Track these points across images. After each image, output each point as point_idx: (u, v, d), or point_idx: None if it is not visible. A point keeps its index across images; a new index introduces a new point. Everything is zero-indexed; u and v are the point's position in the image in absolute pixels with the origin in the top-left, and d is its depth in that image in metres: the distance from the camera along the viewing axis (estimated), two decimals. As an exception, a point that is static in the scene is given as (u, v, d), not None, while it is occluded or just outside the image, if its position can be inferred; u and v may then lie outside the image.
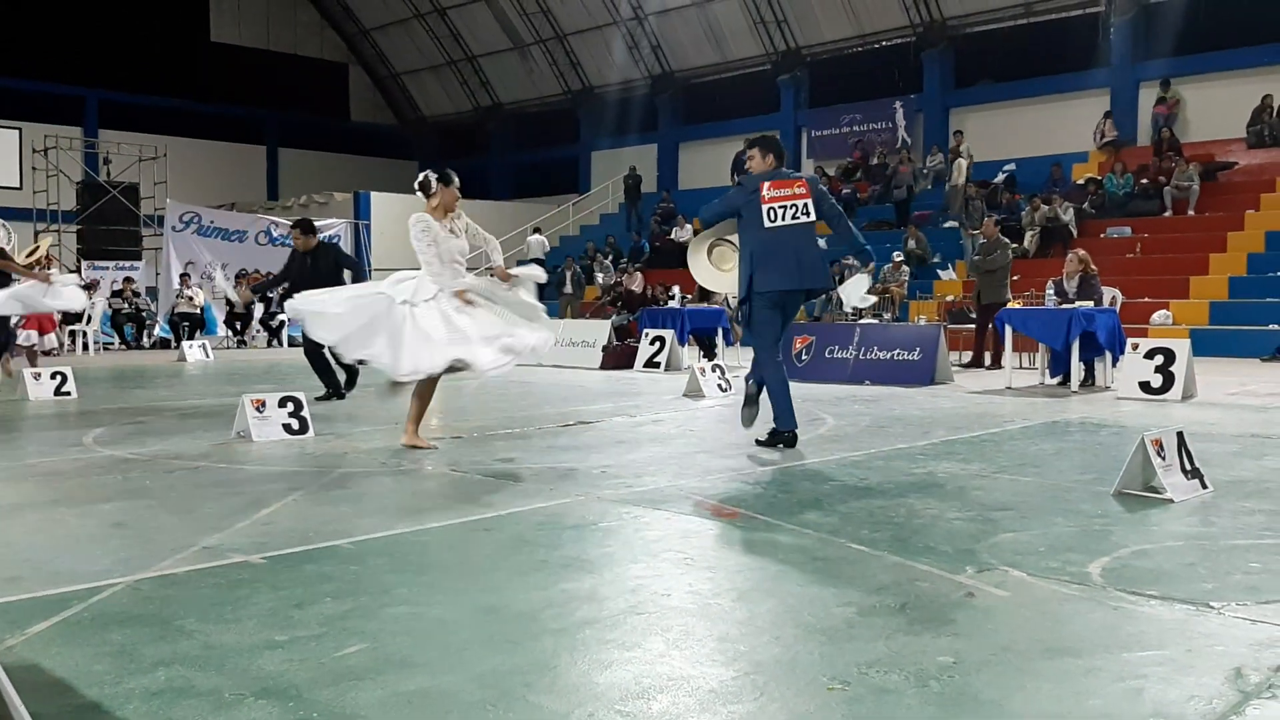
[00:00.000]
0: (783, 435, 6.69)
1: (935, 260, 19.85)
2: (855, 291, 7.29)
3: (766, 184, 6.54)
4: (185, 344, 17.62)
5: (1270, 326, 14.71)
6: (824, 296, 19.13)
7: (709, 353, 14.39)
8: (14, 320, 12.51)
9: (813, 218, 6.58)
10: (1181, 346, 9.58)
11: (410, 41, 34.18)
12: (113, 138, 27.63)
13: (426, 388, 6.67)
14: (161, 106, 31.48)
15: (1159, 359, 9.52)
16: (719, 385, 10.22)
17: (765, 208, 6.48)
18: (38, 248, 11.64)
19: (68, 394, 10.16)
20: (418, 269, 6.55)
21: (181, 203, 24.69)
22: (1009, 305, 11.72)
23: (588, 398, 10.22)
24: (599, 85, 31.05)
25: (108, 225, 24.08)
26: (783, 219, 6.49)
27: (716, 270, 7.17)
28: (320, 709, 2.51)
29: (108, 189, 24.40)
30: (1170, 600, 3.35)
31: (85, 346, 18.99)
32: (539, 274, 7.10)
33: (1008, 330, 10.89)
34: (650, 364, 13.74)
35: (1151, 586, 3.50)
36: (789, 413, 6.69)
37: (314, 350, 9.42)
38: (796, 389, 10.91)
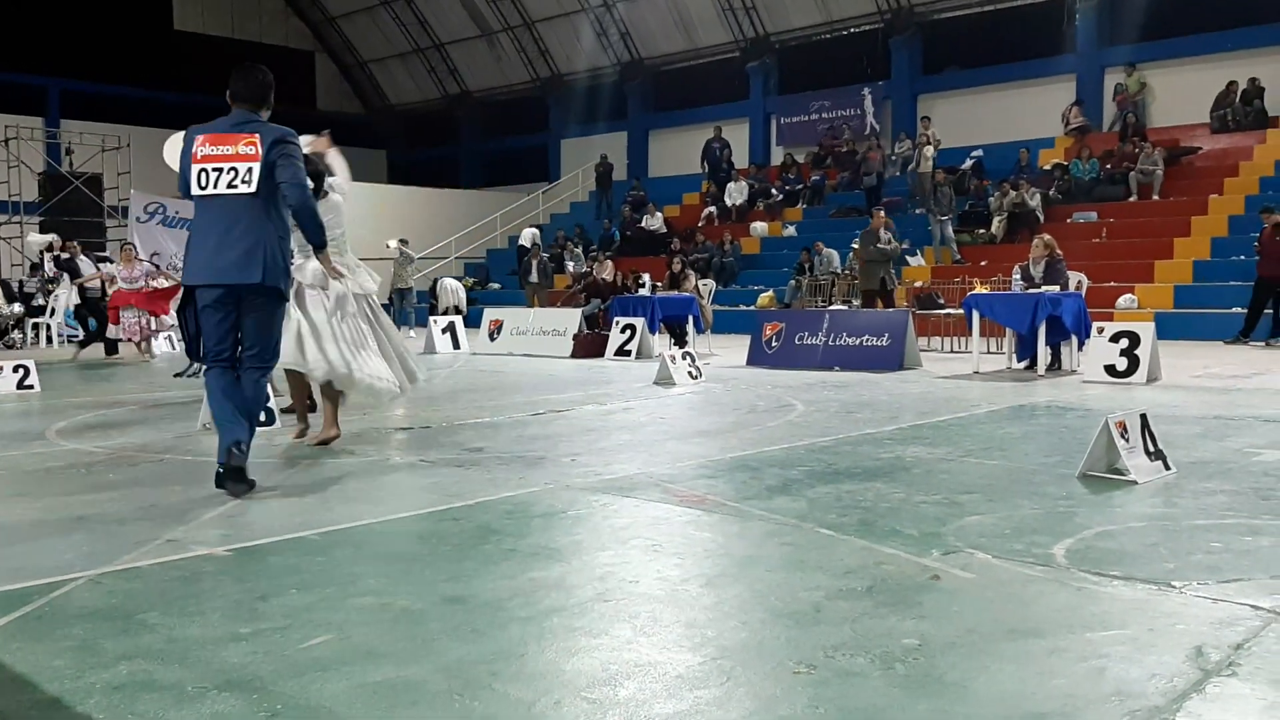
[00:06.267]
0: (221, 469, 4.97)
1: (904, 246, 19.93)
2: (304, 273, 6.30)
3: (201, 137, 5.02)
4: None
5: (1234, 309, 14.87)
6: (793, 283, 19.21)
7: (680, 340, 14.40)
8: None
9: (254, 189, 4.93)
10: (1146, 330, 9.67)
11: (377, 29, 33.90)
12: (75, 128, 27.27)
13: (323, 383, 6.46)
14: (124, 96, 31.05)
15: (1124, 342, 9.60)
16: (690, 373, 10.23)
17: (195, 169, 4.99)
18: None
19: (30, 387, 10.03)
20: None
21: (146, 193, 24.38)
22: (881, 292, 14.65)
23: (558, 386, 10.20)
24: (568, 73, 30.93)
25: (71, 216, 23.77)
26: (215, 186, 4.97)
27: None
28: (285, 701, 2.49)
29: (70, 180, 24.10)
30: (1133, 580, 3.38)
31: (49, 339, 18.75)
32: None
33: (975, 315, 10.95)
34: (621, 352, 13.73)
35: (1114, 567, 3.53)
36: (223, 448, 4.93)
37: None
38: (767, 376, 11.02)
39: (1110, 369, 9.61)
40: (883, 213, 15.70)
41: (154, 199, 24.43)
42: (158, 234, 24.09)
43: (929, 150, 21.43)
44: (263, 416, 7.03)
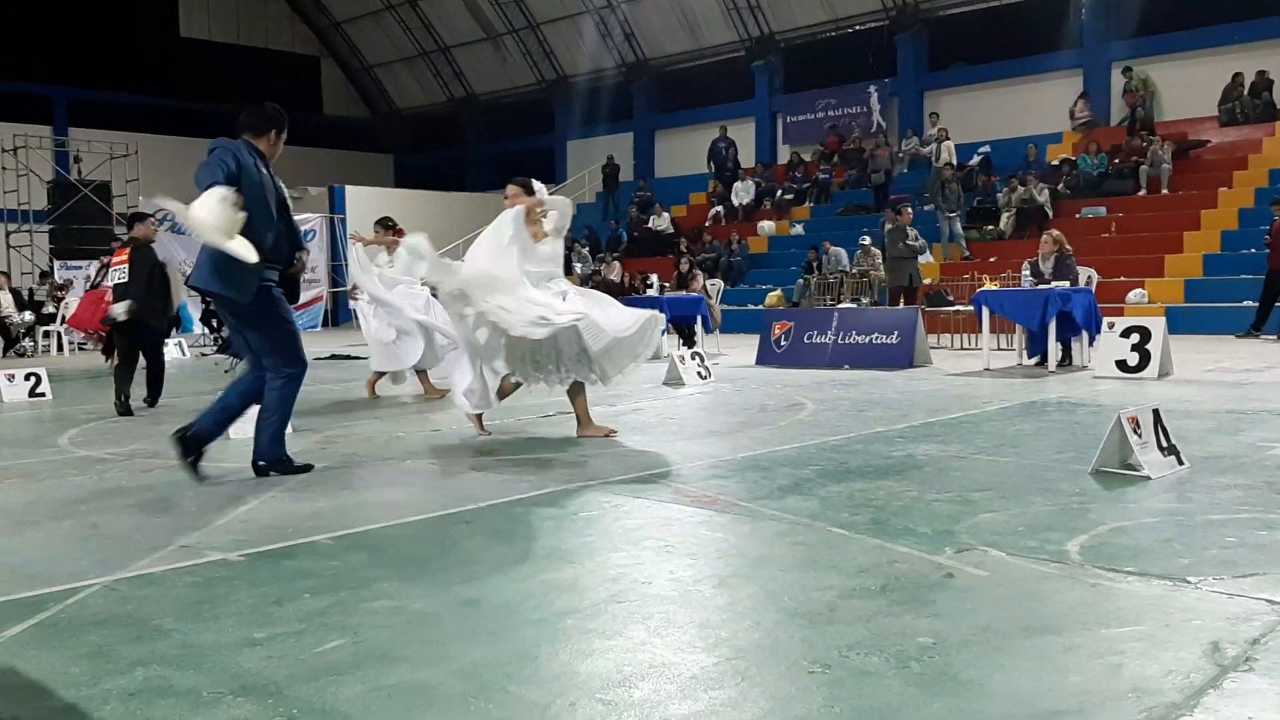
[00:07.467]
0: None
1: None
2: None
3: None
4: (161, 342, 17.43)
5: (1245, 303, 14.81)
6: (801, 282, 19.21)
7: (688, 341, 14.38)
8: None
9: None
10: (1157, 324, 9.64)
11: (382, 33, 33.94)
12: (83, 136, 27.31)
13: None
14: (132, 103, 31.13)
15: (1135, 337, 9.58)
16: (699, 373, 10.22)
17: None
18: None
19: (42, 395, 10.07)
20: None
21: (155, 200, 24.47)
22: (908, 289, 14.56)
23: (567, 388, 10.18)
24: (573, 74, 30.93)
25: (80, 224, 23.81)
26: None
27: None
28: (300, 705, 2.50)
29: (79, 188, 24.15)
30: (1147, 576, 3.37)
31: (59, 347, 18.82)
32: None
33: (985, 312, 10.93)
34: (630, 353, 13.70)
35: (1129, 563, 3.52)
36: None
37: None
38: (777, 375, 11.01)
39: (1121, 364, 9.58)
40: (910, 209, 15.67)
41: (163, 207, 24.59)
42: (166, 241, 24.16)
43: (948, 144, 21.40)
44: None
